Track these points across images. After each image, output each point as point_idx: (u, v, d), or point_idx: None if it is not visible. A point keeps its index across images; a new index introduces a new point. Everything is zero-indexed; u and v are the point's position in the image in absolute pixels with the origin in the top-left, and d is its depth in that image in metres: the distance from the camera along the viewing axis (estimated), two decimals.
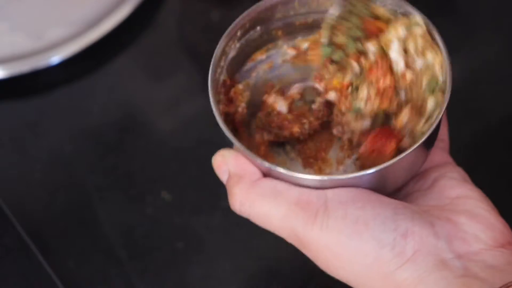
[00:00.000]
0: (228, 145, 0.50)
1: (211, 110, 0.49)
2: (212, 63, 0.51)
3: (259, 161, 0.47)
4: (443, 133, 0.53)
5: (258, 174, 0.47)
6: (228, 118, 0.53)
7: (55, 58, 0.74)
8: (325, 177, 0.46)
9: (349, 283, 0.47)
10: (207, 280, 0.65)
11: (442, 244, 0.45)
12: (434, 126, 0.47)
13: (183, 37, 0.79)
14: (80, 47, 0.74)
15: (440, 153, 0.51)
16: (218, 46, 0.52)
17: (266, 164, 0.46)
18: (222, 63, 0.53)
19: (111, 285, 0.65)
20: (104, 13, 0.76)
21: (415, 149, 0.46)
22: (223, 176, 0.49)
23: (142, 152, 0.71)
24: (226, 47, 0.53)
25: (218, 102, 0.52)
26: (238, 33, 0.53)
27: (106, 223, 0.67)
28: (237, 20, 0.52)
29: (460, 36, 0.75)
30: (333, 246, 0.45)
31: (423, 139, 0.46)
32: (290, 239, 0.47)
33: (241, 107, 0.54)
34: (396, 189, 0.50)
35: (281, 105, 0.53)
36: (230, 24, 0.53)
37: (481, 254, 0.45)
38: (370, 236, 0.44)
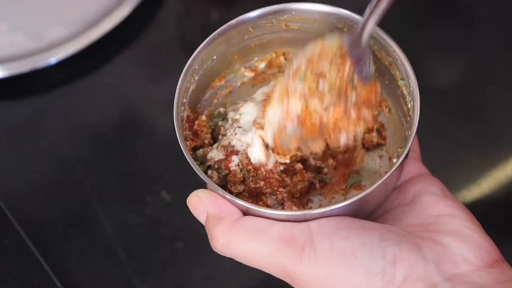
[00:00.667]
0: (203, 184, 0.49)
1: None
2: (175, 103, 0.50)
3: (237, 201, 0.46)
4: (414, 143, 0.53)
5: (237, 213, 0.47)
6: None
7: (55, 58, 0.74)
8: (304, 212, 0.46)
9: None
10: (207, 280, 0.65)
11: (430, 267, 0.45)
12: (407, 149, 0.47)
13: (183, 36, 0.79)
14: (80, 47, 0.74)
15: (414, 163, 0.51)
16: (178, 85, 0.51)
17: (245, 204, 0.46)
18: (184, 100, 0.52)
19: (111, 285, 0.65)
20: (104, 13, 0.76)
21: (392, 173, 0.46)
22: (200, 217, 0.48)
23: (142, 152, 0.71)
24: (186, 83, 0.52)
25: (185, 139, 0.51)
26: (196, 66, 0.53)
27: (106, 223, 0.67)
28: (194, 54, 0.52)
29: (460, 36, 0.75)
30: (323, 279, 0.45)
31: (399, 162, 0.47)
32: (279, 276, 0.47)
33: (207, 139, 0.53)
34: (375, 208, 0.50)
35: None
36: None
37: (470, 275, 0.45)
38: (360, 266, 0.44)
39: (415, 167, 0.51)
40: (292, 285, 0.47)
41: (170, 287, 0.65)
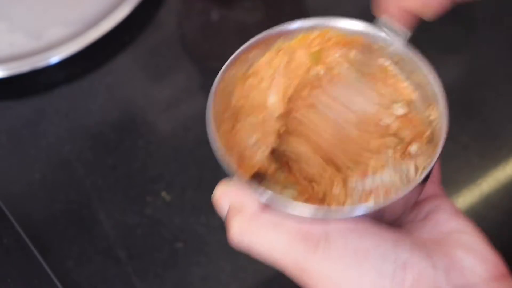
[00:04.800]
0: (228, 175, 0.49)
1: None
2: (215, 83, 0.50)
3: (259, 191, 0.46)
4: (434, 169, 0.53)
5: (257, 206, 0.47)
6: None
7: (55, 58, 0.74)
8: (327, 214, 0.46)
9: None
10: (207, 280, 0.65)
11: (440, 275, 0.45)
12: (433, 162, 0.47)
13: (183, 36, 0.79)
14: (80, 47, 0.74)
15: (432, 185, 0.52)
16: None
17: (266, 196, 0.46)
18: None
19: (111, 285, 0.65)
20: (104, 12, 0.76)
21: (417, 185, 0.47)
22: (222, 210, 0.48)
23: (142, 152, 0.71)
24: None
25: (219, 129, 0.51)
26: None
27: (106, 223, 0.67)
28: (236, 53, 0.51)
29: (460, 36, 0.75)
30: (334, 275, 0.45)
31: (424, 175, 0.47)
32: (290, 270, 0.47)
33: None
34: (392, 221, 0.50)
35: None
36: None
37: (477, 286, 0.45)
38: (371, 266, 0.45)
39: (432, 189, 0.52)
40: (302, 281, 0.47)
41: (170, 287, 0.65)
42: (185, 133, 0.72)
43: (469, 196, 0.67)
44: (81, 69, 0.76)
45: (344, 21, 0.51)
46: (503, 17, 0.76)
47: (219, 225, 0.67)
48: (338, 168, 0.51)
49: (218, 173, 0.69)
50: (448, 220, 0.49)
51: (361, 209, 0.46)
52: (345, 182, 0.51)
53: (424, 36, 0.75)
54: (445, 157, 0.69)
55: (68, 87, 0.76)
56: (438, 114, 0.50)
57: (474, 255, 0.47)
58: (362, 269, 0.45)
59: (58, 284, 0.62)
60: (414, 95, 0.52)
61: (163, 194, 0.69)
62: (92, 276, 0.65)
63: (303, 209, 0.46)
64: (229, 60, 0.51)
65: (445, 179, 0.53)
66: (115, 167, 0.71)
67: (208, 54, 0.77)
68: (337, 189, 0.51)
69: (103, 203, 0.68)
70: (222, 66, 0.50)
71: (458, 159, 0.69)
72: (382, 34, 0.51)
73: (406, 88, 0.52)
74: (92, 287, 0.65)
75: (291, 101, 0.53)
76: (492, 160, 0.69)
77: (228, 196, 0.48)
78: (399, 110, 0.52)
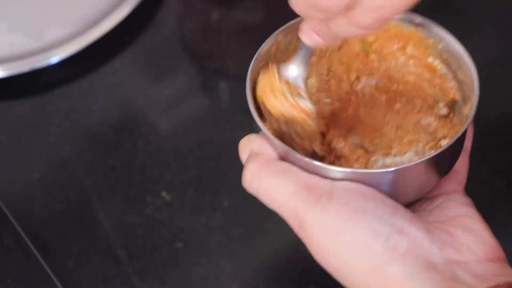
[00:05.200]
0: (256, 131, 0.51)
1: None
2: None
3: (276, 142, 0.48)
4: (463, 168, 0.54)
5: (274, 155, 0.50)
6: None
7: (55, 58, 0.74)
8: (330, 167, 0.47)
9: (338, 273, 0.47)
10: (207, 280, 0.65)
11: (434, 249, 0.46)
12: (452, 141, 0.48)
13: (183, 36, 0.79)
14: (80, 47, 0.74)
15: (455, 184, 0.52)
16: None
17: (283, 147, 0.48)
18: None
19: (111, 285, 0.65)
20: (104, 12, 0.76)
21: (426, 161, 0.47)
22: (244, 155, 0.51)
23: (142, 152, 0.71)
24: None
25: (253, 86, 0.52)
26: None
27: (106, 223, 0.67)
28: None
29: (460, 36, 0.75)
30: (329, 228, 0.46)
31: (439, 151, 0.47)
32: (290, 219, 0.48)
33: None
34: (406, 200, 0.51)
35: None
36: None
37: (471, 264, 0.46)
38: (366, 224, 0.46)
39: (455, 187, 0.52)
40: (300, 232, 0.48)
41: (170, 287, 0.65)
42: (185, 133, 0.72)
43: (470, 195, 0.67)
44: (81, 69, 0.76)
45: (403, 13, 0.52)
46: (503, 17, 0.76)
47: (219, 225, 0.67)
48: (366, 151, 0.52)
49: (218, 173, 0.69)
50: (455, 206, 0.50)
51: (372, 170, 0.47)
52: (368, 159, 0.52)
53: None
54: None
55: (68, 87, 0.76)
56: (471, 109, 0.50)
57: (474, 235, 0.47)
58: (357, 226, 0.46)
59: (58, 284, 0.62)
60: (458, 95, 0.52)
61: (163, 194, 0.69)
62: (92, 276, 0.65)
63: (320, 164, 0.47)
64: (281, 28, 0.52)
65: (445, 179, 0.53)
66: (115, 167, 0.71)
67: (208, 54, 0.77)
68: (358, 163, 0.52)
69: (103, 203, 0.68)
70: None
71: None
72: (436, 28, 0.52)
73: (451, 88, 0.53)
74: (92, 287, 0.65)
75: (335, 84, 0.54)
76: (492, 160, 0.69)
77: (251, 144, 0.50)
78: (443, 110, 0.53)
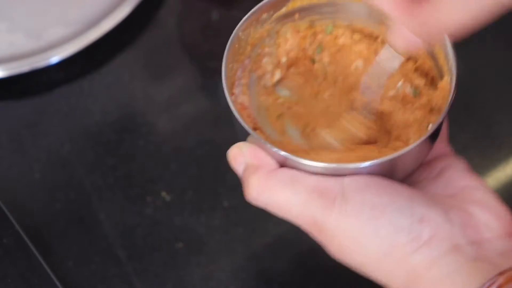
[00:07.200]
0: (243, 138, 0.50)
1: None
2: (227, 48, 0.51)
3: (275, 149, 0.47)
4: (445, 128, 0.54)
5: (274, 164, 0.48)
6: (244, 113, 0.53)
7: (55, 58, 0.74)
8: (340, 165, 0.47)
9: (363, 268, 0.47)
10: (207, 280, 0.65)
11: (456, 230, 0.46)
12: (441, 118, 0.48)
13: (183, 36, 0.79)
14: (80, 47, 0.74)
15: (440, 145, 0.53)
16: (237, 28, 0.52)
17: (282, 153, 0.47)
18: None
19: (111, 285, 0.65)
20: (104, 12, 0.76)
21: (424, 139, 0.47)
22: (238, 168, 0.49)
23: (142, 152, 0.71)
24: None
25: (232, 92, 0.52)
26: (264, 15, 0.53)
27: (106, 223, 0.67)
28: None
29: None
30: (350, 230, 0.46)
31: (431, 131, 0.48)
32: (307, 226, 0.48)
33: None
34: (404, 178, 0.51)
35: None
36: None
37: (492, 241, 0.46)
38: (387, 221, 0.45)
39: (441, 147, 0.52)
40: (318, 237, 0.48)
41: (170, 287, 0.65)
42: (185, 133, 0.72)
43: None
44: (81, 69, 0.76)
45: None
46: (503, 17, 0.76)
47: (219, 225, 0.67)
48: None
49: (218, 173, 0.69)
50: (461, 177, 0.50)
51: (372, 161, 0.46)
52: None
53: None
54: None
55: (68, 87, 0.76)
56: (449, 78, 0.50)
57: (490, 211, 0.47)
58: (378, 224, 0.45)
59: (58, 284, 0.62)
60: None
61: (163, 194, 0.69)
62: (92, 276, 0.65)
63: (316, 164, 0.47)
64: (241, 21, 0.52)
65: None
66: (115, 167, 0.71)
67: (208, 54, 0.77)
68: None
69: (103, 203, 0.68)
70: (222, 66, 0.50)
71: None
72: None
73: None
74: (92, 287, 0.65)
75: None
76: (492, 160, 0.69)
77: (244, 155, 0.49)
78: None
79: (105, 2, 0.77)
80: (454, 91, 0.49)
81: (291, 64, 0.55)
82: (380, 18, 0.53)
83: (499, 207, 0.48)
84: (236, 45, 0.52)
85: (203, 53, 0.77)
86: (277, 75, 0.54)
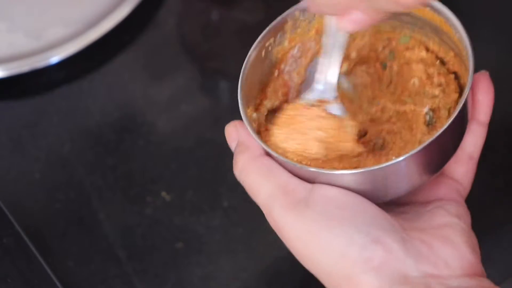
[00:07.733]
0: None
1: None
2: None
3: (258, 141, 0.49)
4: (466, 177, 0.53)
5: (260, 151, 0.50)
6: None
7: (55, 58, 0.74)
8: (319, 170, 0.47)
9: (316, 275, 0.48)
10: (207, 280, 0.65)
11: (409, 261, 0.46)
12: (433, 138, 0.47)
13: (183, 36, 0.79)
14: (80, 47, 0.74)
15: (453, 193, 0.52)
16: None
17: (264, 146, 0.49)
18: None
19: (111, 285, 0.65)
20: (103, 13, 0.76)
21: (410, 155, 0.47)
22: (231, 143, 0.52)
23: (142, 152, 0.71)
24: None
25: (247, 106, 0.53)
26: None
27: (106, 223, 0.67)
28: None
29: None
30: (304, 234, 0.46)
31: (421, 147, 0.47)
32: (267, 218, 0.49)
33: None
34: (394, 196, 0.50)
35: None
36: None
37: (448, 279, 0.46)
38: (342, 232, 0.46)
39: (455, 195, 0.52)
40: (276, 232, 0.49)
41: (170, 287, 0.65)
42: (185, 133, 0.72)
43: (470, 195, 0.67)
44: (81, 69, 0.76)
45: None
46: (503, 17, 0.76)
47: (219, 225, 0.67)
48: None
49: (218, 173, 0.69)
50: (443, 216, 0.49)
51: (352, 171, 0.47)
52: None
53: None
54: None
55: (68, 87, 0.76)
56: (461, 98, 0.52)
57: (452, 248, 0.47)
58: (332, 232, 0.46)
59: (58, 284, 0.62)
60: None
61: (163, 194, 0.69)
62: (92, 276, 0.65)
63: (295, 165, 0.48)
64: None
65: None
66: (115, 167, 0.71)
67: (208, 54, 0.77)
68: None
69: (103, 203, 0.68)
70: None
71: None
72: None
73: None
74: (92, 287, 0.65)
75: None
76: (492, 160, 0.69)
77: (238, 133, 0.51)
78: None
79: (105, 2, 0.77)
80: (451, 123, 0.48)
81: (361, 61, 0.55)
82: (451, 45, 0.54)
83: (464, 247, 0.47)
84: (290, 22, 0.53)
85: (203, 53, 0.77)
86: (344, 67, 0.54)
